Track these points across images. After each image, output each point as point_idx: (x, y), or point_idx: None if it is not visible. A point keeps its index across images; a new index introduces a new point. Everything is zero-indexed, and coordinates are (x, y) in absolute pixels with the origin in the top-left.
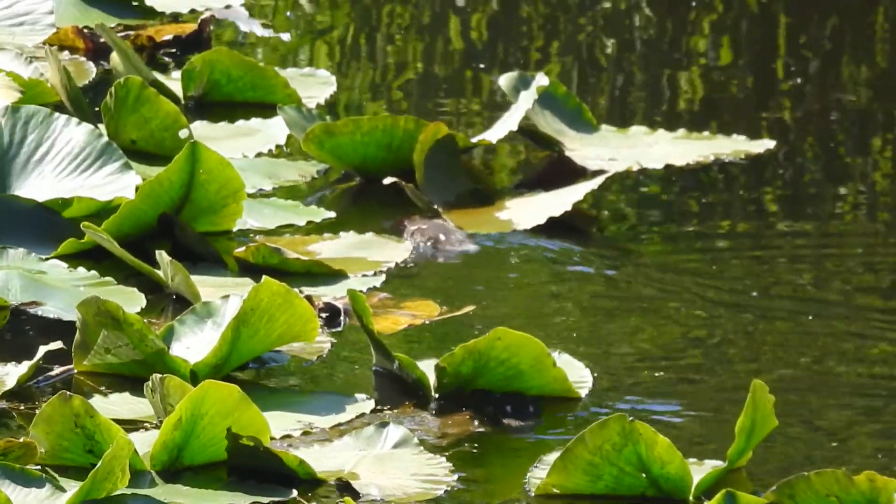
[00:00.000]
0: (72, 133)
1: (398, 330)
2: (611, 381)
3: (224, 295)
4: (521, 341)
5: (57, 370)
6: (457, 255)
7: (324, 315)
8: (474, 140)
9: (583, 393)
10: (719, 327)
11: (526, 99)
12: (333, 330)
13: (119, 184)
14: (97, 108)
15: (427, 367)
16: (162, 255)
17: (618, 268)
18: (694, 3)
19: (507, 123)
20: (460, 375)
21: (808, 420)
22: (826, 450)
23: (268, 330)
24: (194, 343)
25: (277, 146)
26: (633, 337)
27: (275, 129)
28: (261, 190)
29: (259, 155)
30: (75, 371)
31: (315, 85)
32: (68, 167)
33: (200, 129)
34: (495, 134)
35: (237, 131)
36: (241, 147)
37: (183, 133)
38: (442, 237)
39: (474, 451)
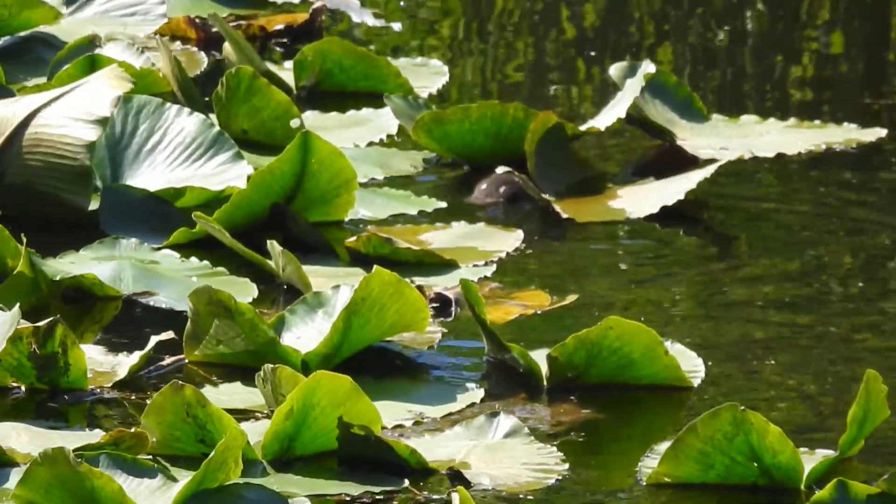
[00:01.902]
0: (183, 123)
1: (509, 320)
2: (723, 370)
3: (335, 285)
4: (633, 330)
5: (168, 360)
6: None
7: (435, 305)
8: (583, 128)
9: (695, 382)
10: (832, 316)
11: (632, 86)
12: (444, 320)
13: (231, 173)
14: (208, 98)
15: (539, 357)
16: (273, 245)
17: (730, 256)
18: None
19: (616, 111)
20: (572, 365)
21: None
22: None
23: (379, 320)
24: (305, 333)
25: (388, 136)
26: (745, 326)
27: (385, 119)
28: (372, 179)
29: (370, 144)
30: (186, 361)
31: (427, 74)
32: (180, 157)
33: (311, 119)
34: (604, 121)
35: (348, 121)
36: (352, 137)
37: (294, 123)
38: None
39: (585, 440)
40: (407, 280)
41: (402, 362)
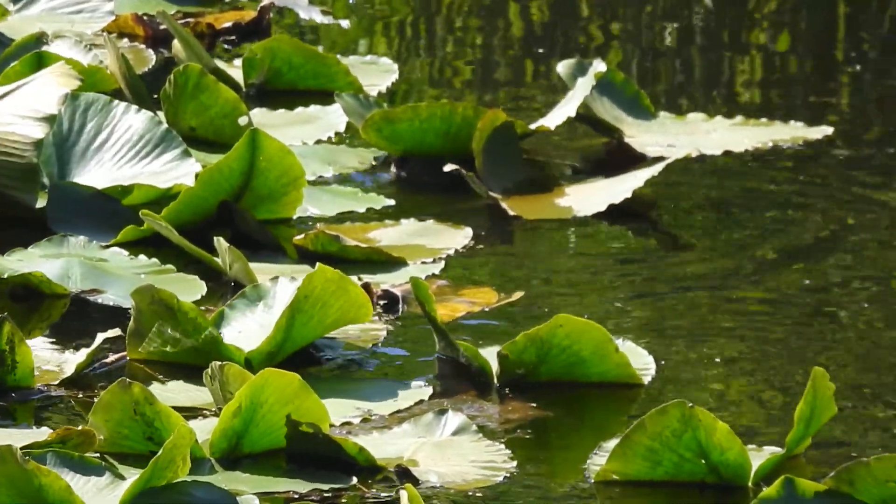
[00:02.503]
0: (131, 120)
1: (456, 317)
2: (673, 367)
3: (273, 277)
4: (583, 328)
5: (111, 357)
6: None
7: (382, 303)
8: (533, 127)
9: (646, 379)
10: (781, 315)
11: (583, 85)
12: (392, 317)
13: (179, 171)
14: (156, 96)
15: (489, 355)
16: (220, 242)
17: (679, 254)
18: None
19: (565, 110)
20: (522, 362)
21: (870, 405)
22: (889, 435)
23: (321, 316)
24: (245, 327)
25: (337, 133)
26: (695, 324)
27: (334, 117)
28: (321, 177)
29: (318, 142)
30: (128, 358)
31: (377, 73)
32: (128, 154)
33: (259, 117)
34: (553, 120)
35: (296, 118)
36: (300, 134)
37: (242, 120)
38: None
39: (534, 437)
40: (354, 278)
41: (350, 359)
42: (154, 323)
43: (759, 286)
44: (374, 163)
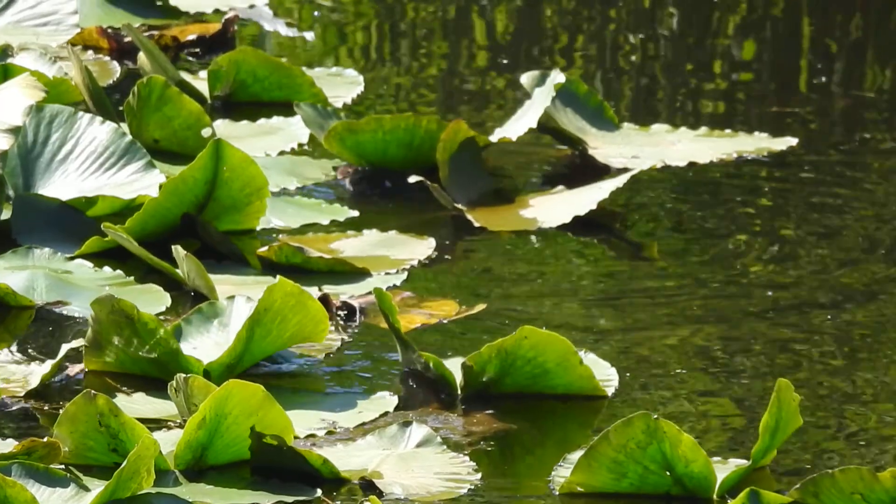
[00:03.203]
0: (95, 132)
1: (411, 329)
2: (637, 379)
3: (230, 296)
4: (547, 339)
5: (73, 369)
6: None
7: (341, 313)
8: (494, 138)
9: (609, 391)
10: (747, 327)
11: (541, 95)
12: (350, 328)
13: (143, 182)
14: (121, 108)
15: (453, 366)
16: (178, 251)
17: (644, 266)
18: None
19: (525, 120)
20: (487, 374)
21: (836, 417)
22: (853, 447)
23: (280, 330)
24: (201, 343)
25: (300, 144)
26: (659, 335)
27: (296, 128)
28: (284, 189)
29: (281, 153)
30: (85, 369)
31: (342, 84)
32: (92, 166)
33: (222, 128)
34: (514, 131)
35: (259, 130)
36: (263, 146)
37: (206, 132)
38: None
39: (499, 449)
40: (314, 289)
41: (312, 371)
42: (113, 333)
43: (724, 298)
44: (332, 173)
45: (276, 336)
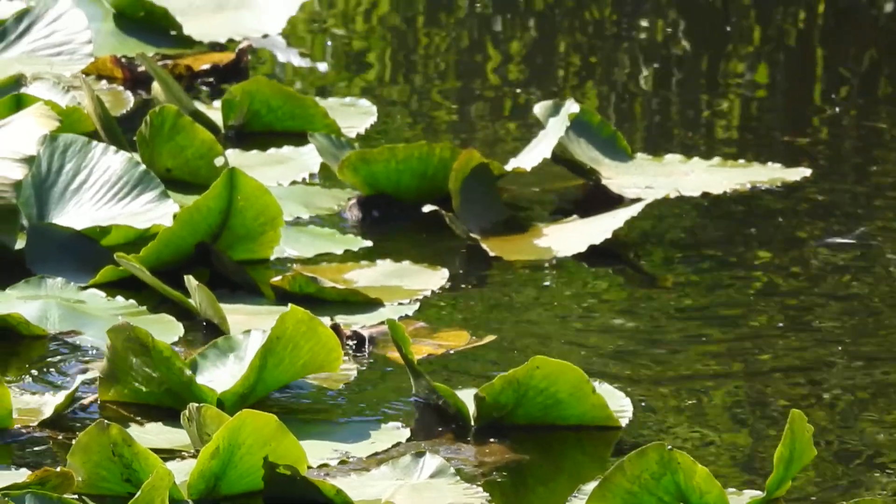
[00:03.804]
0: (109, 161)
1: (423, 359)
2: (651, 409)
3: (245, 330)
4: (560, 369)
5: (88, 399)
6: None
7: (351, 343)
8: (509, 168)
9: (623, 422)
10: (763, 355)
11: (556, 125)
12: (361, 358)
13: (157, 212)
14: (134, 138)
15: (466, 397)
16: (190, 281)
17: (658, 296)
18: (728, 29)
19: (539, 150)
20: (499, 405)
21: (849, 447)
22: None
23: (293, 358)
24: (217, 376)
25: (311, 174)
26: (674, 366)
27: (308, 157)
28: (298, 218)
29: (294, 183)
30: (100, 400)
31: (356, 115)
32: (106, 195)
33: (233, 158)
34: (529, 161)
35: (270, 159)
36: (275, 175)
37: (218, 161)
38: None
39: (512, 480)
40: (325, 319)
41: (325, 400)
42: (128, 362)
43: (739, 328)
44: (343, 203)
45: (289, 364)
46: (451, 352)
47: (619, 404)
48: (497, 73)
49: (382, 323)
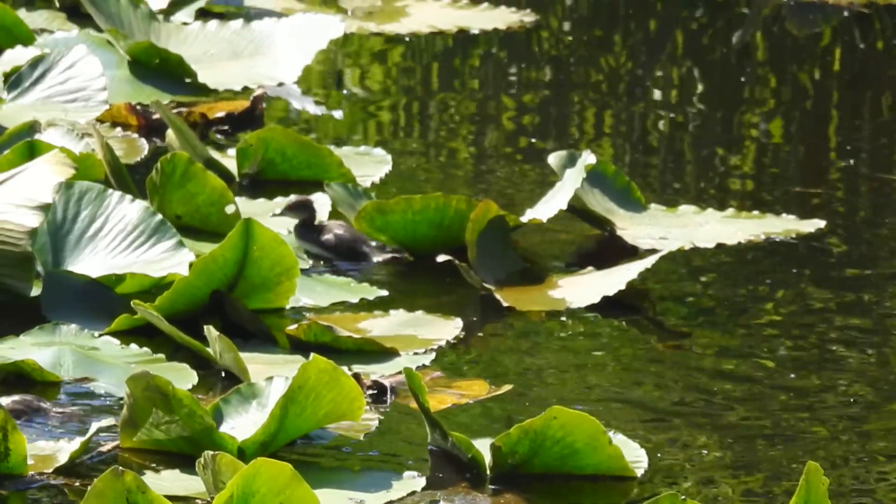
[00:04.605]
0: (125, 210)
1: (442, 409)
2: (665, 459)
3: (268, 376)
4: (576, 420)
5: (106, 446)
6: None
7: (372, 392)
8: (525, 219)
9: (638, 472)
10: (776, 406)
11: (572, 176)
12: (380, 407)
13: (173, 260)
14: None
15: (482, 446)
16: (210, 331)
17: (671, 347)
18: (743, 80)
19: (556, 202)
20: (516, 455)
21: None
22: None
23: (314, 408)
24: (239, 423)
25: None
26: (687, 417)
27: (317, 205)
28: (313, 266)
29: None
30: (120, 447)
31: (370, 164)
32: (122, 244)
33: (243, 206)
34: (545, 212)
35: (278, 207)
36: (285, 223)
37: (229, 208)
38: (353, 245)
39: None
40: (344, 368)
41: (341, 449)
42: (147, 410)
43: (750, 380)
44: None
45: (311, 413)
46: (472, 401)
47: (635, 455)
48: (512, 121)
49: (401, 372)
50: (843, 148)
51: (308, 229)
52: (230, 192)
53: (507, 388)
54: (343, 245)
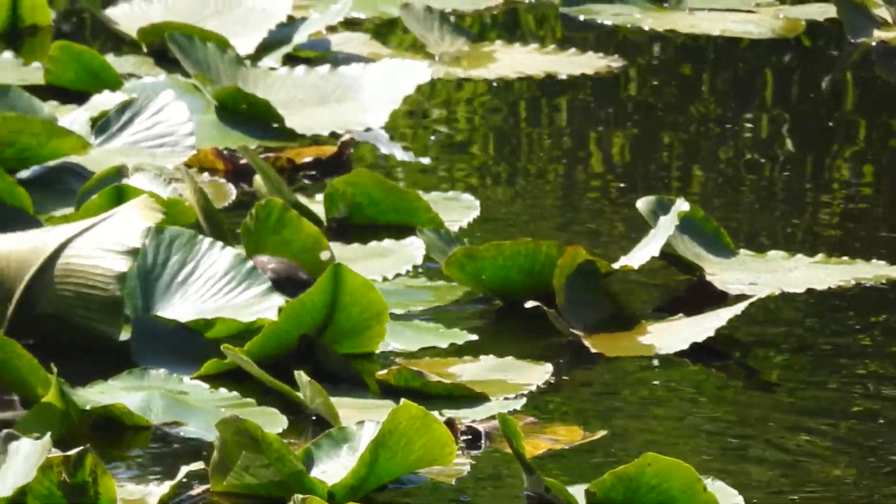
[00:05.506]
0: (216, 256)
1: (537, 454)
2: None
3: (359, 420)
4: (671, 466)
5: (197, 490)
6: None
7: (466, 438)
8: (616, 266)
9: None
10: (872, 454)
11: (666, 224)
12: (474, 452)
13: (262, 305)
14: (237, 231)
15: (577, 493)
16: (301, 377)
17: (762, 396)
18: (831, 124)
19: (648, 249)
20: (610, 501)
21: None
22: None
23: (405, 453)
24: (330, 467)
25: (414, 267)
26: (779, 465)
27: (410, 250)
28: (408, 311)
29: (397, 276)
30: (211, 491)
31: (458, 209)
32: (212, 289)
33: (335, 251)
34: (637, 259)
35: (371, 252)
36: (377, 269)
37: (324, 255)
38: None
39: None
40: (437, 413)
41: (435, 494)
42: (238, 454)
43: (846, 429)
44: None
45: (402, 459)
46: (567, 447)
47: (732, 502)
48: (601, 165)
49: (494, 418)
50: None
51: None
52: (325, 238)
53: (601, 433)
54: (282, 278)
